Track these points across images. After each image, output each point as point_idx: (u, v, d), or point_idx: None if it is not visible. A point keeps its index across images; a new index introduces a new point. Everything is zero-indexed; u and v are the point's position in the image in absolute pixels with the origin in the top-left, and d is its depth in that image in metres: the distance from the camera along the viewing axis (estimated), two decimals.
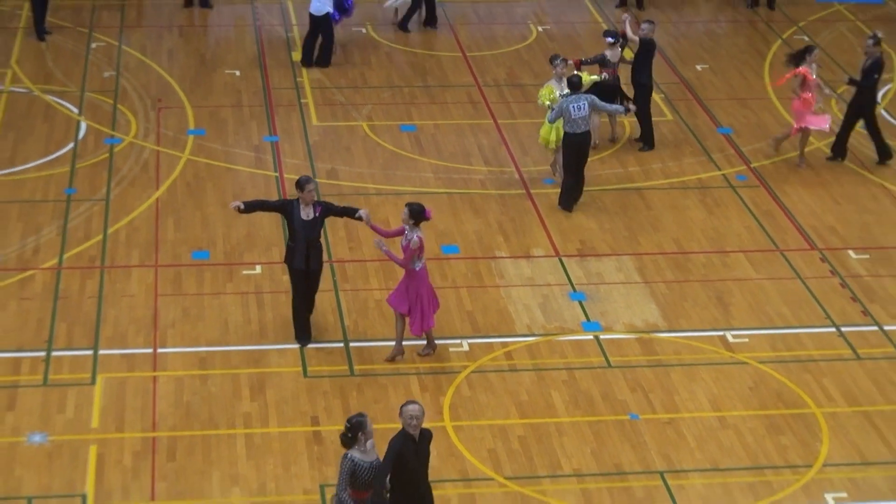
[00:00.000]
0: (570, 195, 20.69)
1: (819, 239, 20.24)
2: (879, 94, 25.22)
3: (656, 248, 19.81)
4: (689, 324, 18.02)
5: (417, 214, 16.17)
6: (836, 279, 19.18)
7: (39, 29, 26.38)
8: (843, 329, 17.99)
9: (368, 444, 12.53)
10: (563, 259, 19.45)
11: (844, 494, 14.87)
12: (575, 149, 20.37)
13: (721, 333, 17.83)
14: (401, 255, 16.34)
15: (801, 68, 21.72)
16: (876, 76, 22.06)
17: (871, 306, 18.50)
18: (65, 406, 15.80)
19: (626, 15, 23.45)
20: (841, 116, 24.03)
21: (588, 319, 18.02)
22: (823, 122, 21.95)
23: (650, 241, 20.00)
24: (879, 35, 22.61)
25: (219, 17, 28.52)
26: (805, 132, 22.05)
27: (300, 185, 16.48)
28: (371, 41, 27.10)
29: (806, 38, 27.38)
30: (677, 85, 25.64)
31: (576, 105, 20.06)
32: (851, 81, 22.17)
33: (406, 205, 16.31)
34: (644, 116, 22.47)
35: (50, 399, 15.93)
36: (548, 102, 20.78)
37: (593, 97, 20.46)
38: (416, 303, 16.48)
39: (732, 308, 18.38)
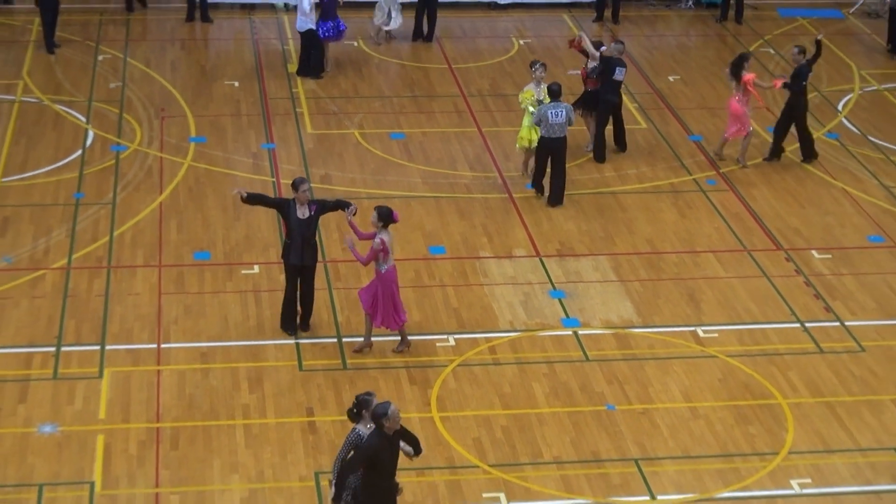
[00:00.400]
0: (540, 189, 21.02)
1: (784, 240, 20.27)
2: (840, 104, 25.39)
3: (631, 249, 19.83)
4: (661, 320, 18.04)
5: (386, 217, 16.15)
6: (801, 278, 19.22)
7: (49, 42, 26.35)
8: (806, 324, 18.02)
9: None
10: (544, 259, 19.46)
11: (809, 480, 14.89)
12: (548, 151, 20.57)
13: (692, 329, 17.85)
14: (365, 255, 16.34)
15: (750, 75, 21.97)
16: (803, 83, 22.22)
17: (833, 303, 18.54)
18: (74, 398, 15.79)
19: (581, 33, 23.28)
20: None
21: (567, 316, 18.04)
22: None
23: (625, 242, 20.02)
24: (819, 38, 22.93)
25: (219, 31, 28.49)
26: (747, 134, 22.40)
27: (295, 185, 16.59)
28: (362, 54, 27.09)
29: (771, 51, 27.46)
30: (650, 95, 25.67)
31: (554, 112, 20.17)
32: (785, 85, 22.40)
33: (375, 208, 16.28)
34: (599, 129, 22.41)
35: (60, 392, 15.91)
36: (531, 108, 20.86)
37: (570, 107, 20.60)
38: (386, 302, 16.45)
39: (703, 305, 18.41)
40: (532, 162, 21.41)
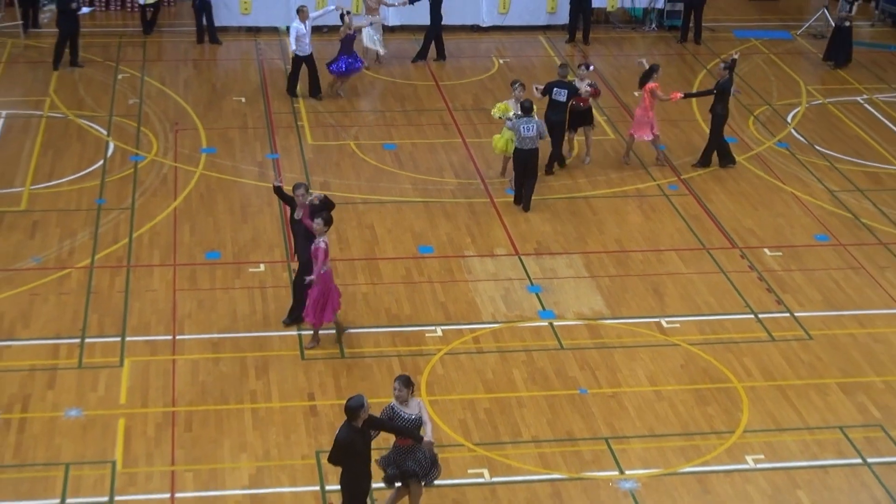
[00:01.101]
0: (517, 194, 20.93)
1: (739, 239, 20.31)
2: (789, 116, 25.44)
3: (601, 248, 19.85)
4: (629, 312, 18.05)
5: (329, 222, 16.05)
6: (754, 273, 19.25)
7: (55, 60, 26.45)
8: (759, 315, 18.06)
9: (412, 400, 12.88)
10: (522, 257, 19.47)
11: (762, 456, 14.93)
12: (522, 161, 20.57)
13: (656, 320, 17.87)
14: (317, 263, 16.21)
15: (653, 84, 22.14)
16: (714, 90, 22.38)
17: (784, 296, 18.58)
18: (97, 385, 15.77)
19: (534, 85, 22.69)
20: (757, 134, 24.31)
21: (543, 308, 18.04)
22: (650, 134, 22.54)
23: (596, 242, 20.03)
24: (735, 58, 23.26)
25: (227, 52, 28.45)
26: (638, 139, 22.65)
27: (293, 189, 16.66)
28: (358, 73, 27.02)
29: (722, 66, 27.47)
30: (618, 108, 25.68)
31: (525, 126, 20.20)
32: (686, 95, 23.09)
33: (320, 216, 16.05)
34: (554, 145, 22.14)
35: (84, 379, 15.89)
36: (499, 115, 21.00)
37: (541, 122, 20.58)
38: (318, 299, 16.29)
39: (666, 298, 18.43)
40: (510, 168, 21.51)
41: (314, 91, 25.37)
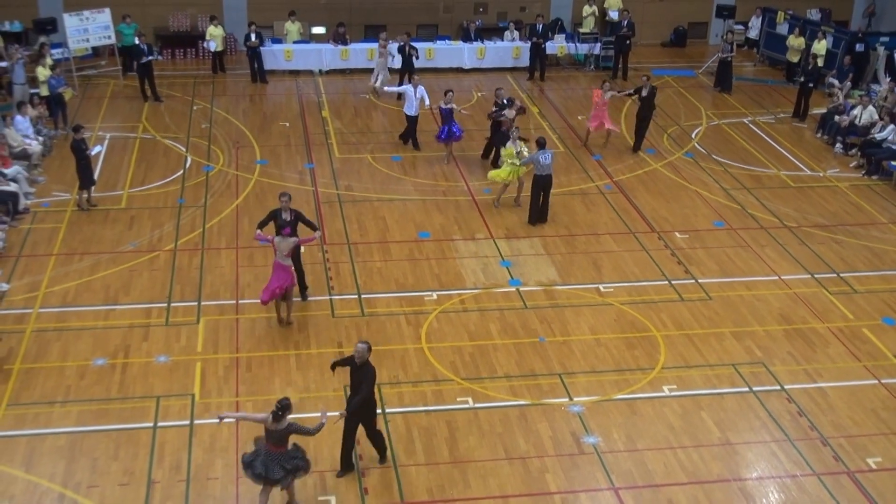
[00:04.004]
0: (537, 214, 19.89)
1: (657, 225, 20.28)
2: (693, 134, 25.39)
3: (554, 233, 19.81)
4: (575, 280, 18.03)
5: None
6: (668, 251, 19.23)
7: (144, 94, 26.53)
8: (672, 282, 18.04)
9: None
10: (496, 240, 19.42)
11: (675, 386, 14.94)
12: (542, 185, 19.61)
13: (596, 286, 17.84)
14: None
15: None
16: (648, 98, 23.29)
17: (691, 267, 18.57)
18: (180, 337, 15.72)
19: (495, 110, 22.08)
20: (670, 147, 24.27)
21: (512, 278, 18.01)
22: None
23: (551, 228, 19.99)
24: (650, 79, 23.94)
25: (274, 88, 28.32)
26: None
27: (279, 197, 16.21)
28: (372, 104, 26.97)
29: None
30: (566, 129, 25.62)
31: (543, 156, 19.40)
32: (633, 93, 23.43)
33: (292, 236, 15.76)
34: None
35: (170, 333, 15.84)
36: (509, 159, 20.24)
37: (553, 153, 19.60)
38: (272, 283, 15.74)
39: (603, 269, 18.41)
40: (502, 195, 20.62)
41: (415, 145, 23.81)
